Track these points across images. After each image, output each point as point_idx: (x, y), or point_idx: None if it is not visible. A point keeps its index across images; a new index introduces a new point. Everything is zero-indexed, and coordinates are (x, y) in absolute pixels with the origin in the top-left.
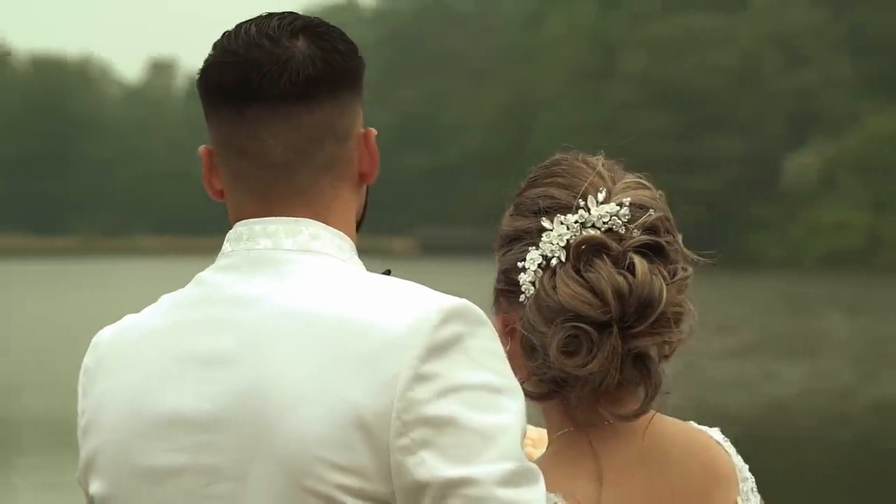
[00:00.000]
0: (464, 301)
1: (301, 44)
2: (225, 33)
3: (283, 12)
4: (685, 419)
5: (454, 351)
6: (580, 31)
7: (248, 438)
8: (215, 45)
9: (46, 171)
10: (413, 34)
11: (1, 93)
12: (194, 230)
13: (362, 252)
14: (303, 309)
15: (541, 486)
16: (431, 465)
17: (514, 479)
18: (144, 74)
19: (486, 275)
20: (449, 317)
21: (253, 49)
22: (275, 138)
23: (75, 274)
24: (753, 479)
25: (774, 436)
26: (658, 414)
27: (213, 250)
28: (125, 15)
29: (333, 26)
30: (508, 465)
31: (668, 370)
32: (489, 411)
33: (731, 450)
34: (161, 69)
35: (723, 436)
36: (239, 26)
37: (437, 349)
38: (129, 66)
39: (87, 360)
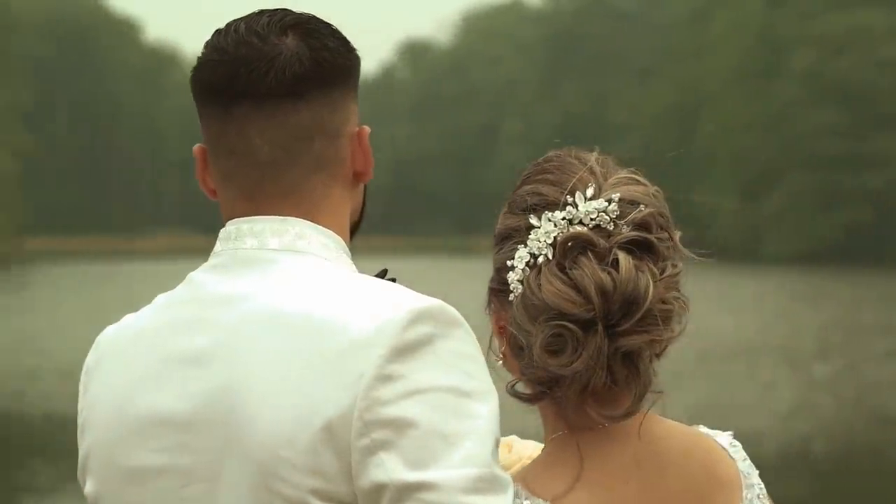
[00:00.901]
0: (438, 302)
1: (290, 41)
2: (216, 31)
3: (275, 9)
4: (842, 420)
5: (422, 352)
6: (746, 29)
7: (220, 439)
8: (206, 44)
9: None
10: (577, 33)
11: (170, 95)
12: (367, 229)
13: None
14: (279, 309)
15: (509, 495)
16: (390, 468)
17: (479, 485)
18: None
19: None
20: (419, 317)
21: (241, 47)
22: (261, 136)
23: None
24: (762, 487)
25: None
26: (658, 417)
27: (384, 249)
28: None
29: (326, 23)
30: (473, 471)
31: (825, 371)
32: (455, 415)
33: (738, 455)
34: None
35: (731, 441)
36: (230, 24)
37: (404, 350)
38: None
39: (89, 358)
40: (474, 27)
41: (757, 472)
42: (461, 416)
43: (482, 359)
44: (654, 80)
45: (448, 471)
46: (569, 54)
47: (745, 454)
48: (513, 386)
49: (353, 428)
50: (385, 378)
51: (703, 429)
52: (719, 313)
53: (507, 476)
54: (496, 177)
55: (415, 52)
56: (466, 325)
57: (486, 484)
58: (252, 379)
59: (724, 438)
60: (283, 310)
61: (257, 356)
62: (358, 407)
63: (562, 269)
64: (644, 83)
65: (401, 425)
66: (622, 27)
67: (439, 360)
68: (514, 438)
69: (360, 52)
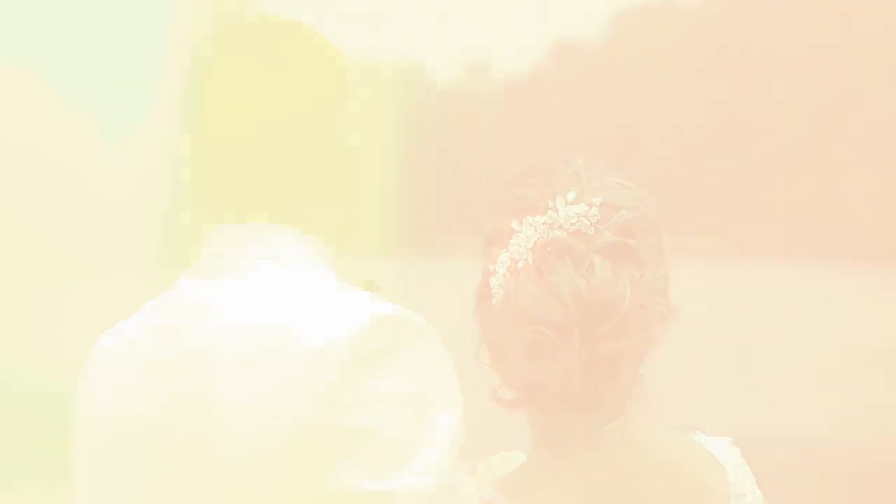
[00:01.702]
0: (404, 310)
1: (275, 47)
2: (203, 36)
3: (263, 14)
4: None
5: (385, 360)
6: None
7: (191, 447)
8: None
9: None
10: (726, 33)
11: None
12: None
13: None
14: (247, 317)
15: None
16: (348, 477)
17: (438, 495)
18: (459, 76)
19: (797, 274)
20: (382, 325)
21: (225, 53)
22: (246, 143)
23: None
24: (756, 496)
25: None
26: (647, 425)
27: None
28: (441, 17)
29: (313, 28)
30: (431, 480)
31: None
32: (416, 424)
33: (732, 464)
34: (476, 71)
35: (726, 449)
36: (216, 29)
37: (366, 358)
38: (443, 69)
39: (85, 364)
40: (624, 27)
41: (753, 479)
42: (422, 424)
43: (448, 367)
44: (801, 78)
45: (406, 480)
46: (718, 53)
47: (741, 462)
48: (496, 392)
49: (313, 436)
50: (346, 386)
51: (699, 435)
52: (864, 315)
53: (470, 486)
54: (644, 177)
55: (564, 52)
56: (433, 333)
57: (446, 494)
58: (219, 387)
59: (719, 446)
60: (251, 318)
61: (225, 364)
62: (319, 415)
63: (539, 274)
64: (791, 81)
65: (359, 434)
66: (768, 25)
67: (402, 368)
68: (516, 454)
69: (510, 51)
